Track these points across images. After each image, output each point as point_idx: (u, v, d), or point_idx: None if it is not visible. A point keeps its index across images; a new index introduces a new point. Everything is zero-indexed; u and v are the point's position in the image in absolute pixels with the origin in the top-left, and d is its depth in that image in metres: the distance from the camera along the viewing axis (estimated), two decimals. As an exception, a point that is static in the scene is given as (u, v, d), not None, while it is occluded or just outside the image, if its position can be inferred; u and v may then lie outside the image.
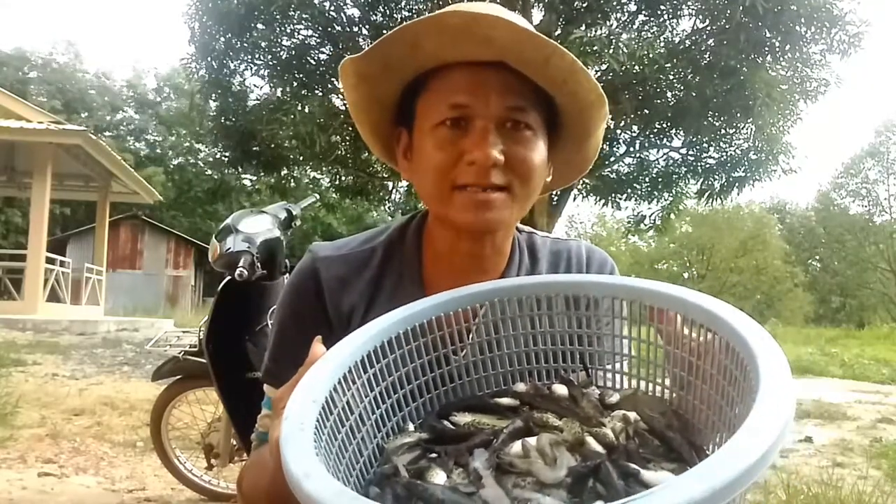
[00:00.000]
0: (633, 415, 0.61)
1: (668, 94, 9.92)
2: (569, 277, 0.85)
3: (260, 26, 10.04)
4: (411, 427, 0.68)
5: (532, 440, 0.56)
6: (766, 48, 9.36)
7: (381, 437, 0.66)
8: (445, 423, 0.67)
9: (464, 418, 0.67)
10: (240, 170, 12.13)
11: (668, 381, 0.67)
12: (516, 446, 0.56)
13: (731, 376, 0.55)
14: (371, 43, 0.78)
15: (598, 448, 0.56)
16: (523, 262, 0.93)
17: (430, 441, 0.63)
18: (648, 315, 0.67)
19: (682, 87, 9.76)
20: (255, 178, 13.04)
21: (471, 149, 0.77)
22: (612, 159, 11.26)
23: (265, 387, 0.94)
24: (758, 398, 0.45)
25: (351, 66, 0.82)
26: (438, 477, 0.55)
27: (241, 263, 1.95)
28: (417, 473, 0.56)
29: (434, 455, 0.60)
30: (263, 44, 10.13)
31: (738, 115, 9.42)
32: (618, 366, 0.73)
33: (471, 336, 0.75)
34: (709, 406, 0.60)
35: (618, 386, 0.73)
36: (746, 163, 10.27)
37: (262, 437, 0.91)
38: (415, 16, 9.79)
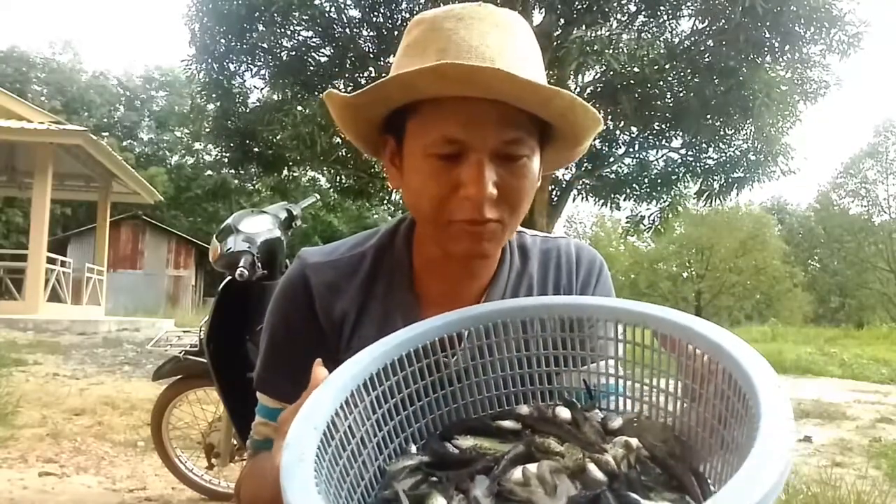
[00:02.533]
0: (635, 441, 0.61)
1: (668, 95, 9.94)
2: (571, 299, 0.85)
3: (260, 28, 10.05)
4: (413, 449, 0.67)
5: (532, 467, 0.56)
6: (766, 49, 9.38)
7: (383, 460, 0.66)
8: (448, 445, 0.67)
9: (466, 442, 0.66)
10: (240, 170, 12.15)
11: (670, 406, 0.67)
12: (517, 473, 0.56)
13: (728, 402, 0.56)
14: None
15: (600, 475, 0.56)
16: (514, 263, 0.93)
17: (431, 465, 0.63)
18: (661, 343, 0.67)
19: (681, 88, 9.78)
20: (255, 178, 13.06)
21: (466, 183, 0.76)
22: (612, 160, 11.27)
23: (258, 394, 0.94)
24: (758, 438, 0.45)
25: (337, 97, 0.81)
26: (439, 503, 0.55)
27: (241, 263, 1.96)
28: (418, 500, 0.56)
29: (435, 479, 0.60)
30: (264, 45, 10.14)
31: (738, 115, 9.43)
32: (620, 389, 0.73)
33: (467, 355, 0.75)
34: (704, 428, 0.60)
35: (620, 409, 0.73)
36: (745, 163, 10.29)
37: (257, 445, 0.91)
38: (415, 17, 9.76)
